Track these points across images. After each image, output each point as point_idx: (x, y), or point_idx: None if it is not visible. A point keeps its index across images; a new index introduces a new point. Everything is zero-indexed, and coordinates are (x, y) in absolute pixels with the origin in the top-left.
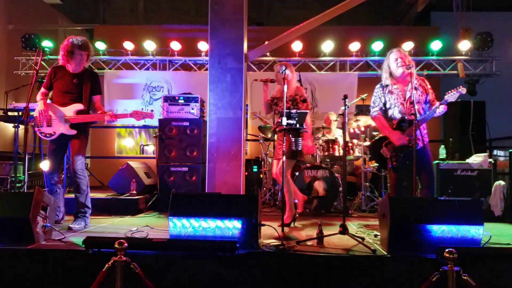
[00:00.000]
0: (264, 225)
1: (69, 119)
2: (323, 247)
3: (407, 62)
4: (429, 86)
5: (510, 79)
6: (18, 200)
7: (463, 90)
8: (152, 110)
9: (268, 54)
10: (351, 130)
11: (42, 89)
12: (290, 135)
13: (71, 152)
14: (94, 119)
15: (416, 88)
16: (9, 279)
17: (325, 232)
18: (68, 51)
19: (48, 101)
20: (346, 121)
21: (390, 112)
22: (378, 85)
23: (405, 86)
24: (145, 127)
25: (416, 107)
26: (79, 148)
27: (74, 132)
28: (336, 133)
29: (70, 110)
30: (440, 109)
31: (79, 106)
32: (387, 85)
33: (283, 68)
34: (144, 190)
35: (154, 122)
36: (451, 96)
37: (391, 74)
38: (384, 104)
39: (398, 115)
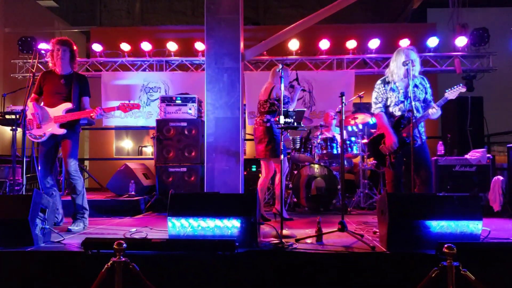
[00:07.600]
0: (263, 223)
1: (58, 117)
2: (322, 244)
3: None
4: (428, 85)
5: (507, 74)
6: (17, 202)
7: (462, 88)
8: (149, 111)
9: (265, 53)
10: (349, 128)
11: (33, 95)
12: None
13: (62, 154)
14: (82, 115)
15: (417, 86)
16: (9, 281)
17: (324, 230)
18: (52, 50)
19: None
20: (344, 118)
21: (390, 110)
22: (379, 81)
23: (407, 84)
24: (143, 128)
25: (415, 104)
26: (70, 150)
27: (63, 131)
28: (335, 131)
29: (59, 110)
30: (435, 111)
31: (68, 105)
32: (389, 82)
33: (280, 66)
34: (143, 191)
35: (152, 123)
36: (451, 93)
37: (400, 70)
38: (386, 101)
39: (398, 113)
